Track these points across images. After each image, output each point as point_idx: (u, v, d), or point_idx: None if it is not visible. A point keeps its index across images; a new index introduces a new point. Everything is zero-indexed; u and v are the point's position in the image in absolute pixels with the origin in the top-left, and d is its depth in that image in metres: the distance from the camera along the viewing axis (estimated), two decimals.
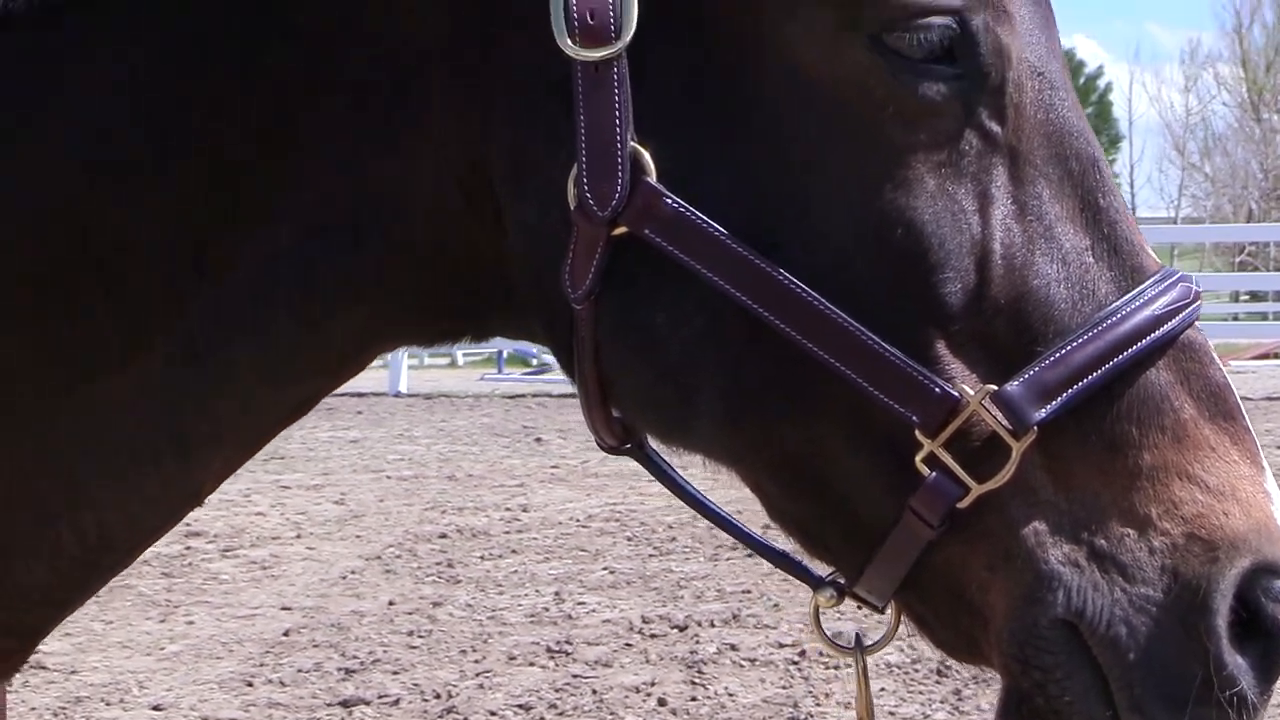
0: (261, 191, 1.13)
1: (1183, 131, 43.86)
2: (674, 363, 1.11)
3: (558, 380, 14.82)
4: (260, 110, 1.12)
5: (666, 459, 1.24)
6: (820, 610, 1.18)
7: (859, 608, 1.18)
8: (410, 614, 5.52)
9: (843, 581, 1.15)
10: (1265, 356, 17.15)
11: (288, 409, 1.25)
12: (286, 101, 1.12)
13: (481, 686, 4.59)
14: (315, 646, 5.07)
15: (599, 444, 1.22)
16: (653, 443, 1.23)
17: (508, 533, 7.17)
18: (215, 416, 1.17)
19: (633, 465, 1.25)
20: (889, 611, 1.15)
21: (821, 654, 4.55)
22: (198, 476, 1.21)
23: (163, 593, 5.64)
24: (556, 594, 5.78)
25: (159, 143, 1.12)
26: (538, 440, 10.88)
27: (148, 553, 1.43)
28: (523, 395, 14.68)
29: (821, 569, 1.19)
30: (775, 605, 5.33)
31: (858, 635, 1.21)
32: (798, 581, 1.24)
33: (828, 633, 1.21)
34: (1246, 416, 1.16)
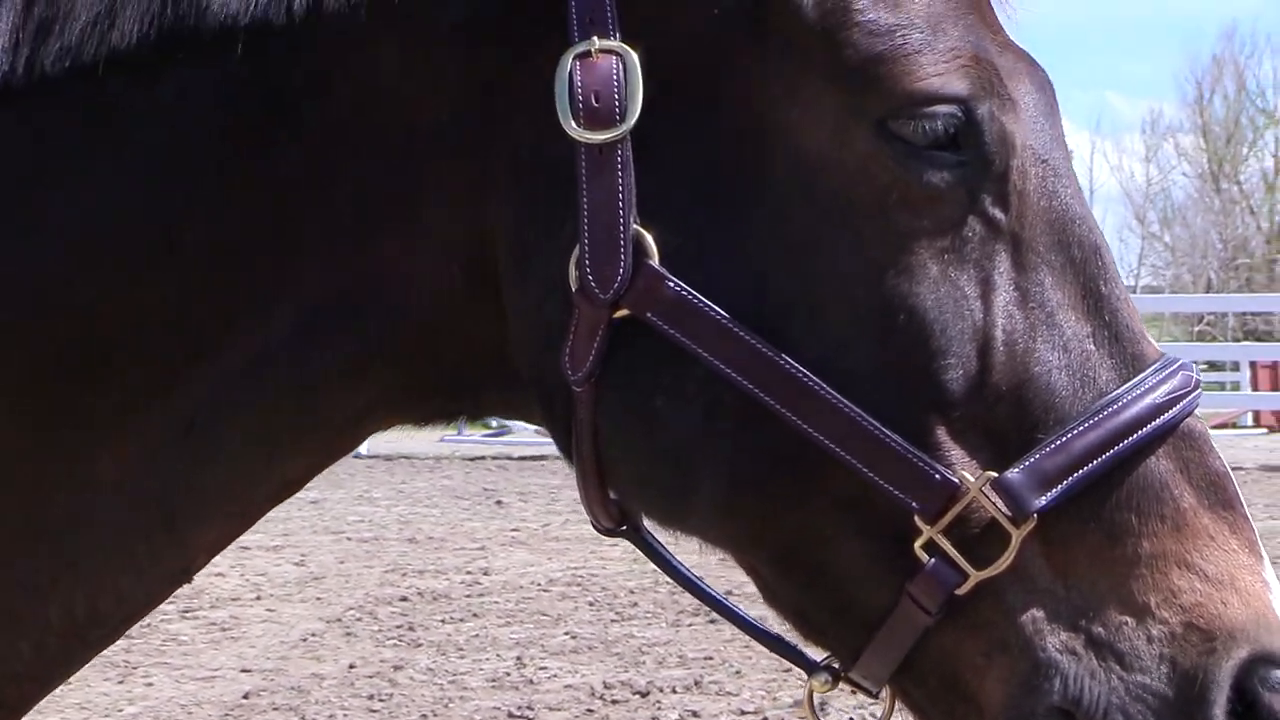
0: (262, 280, 1.13)
1: (1143, 201, 44.13)
2: (673, 446, 1.11)
3: (518, 442, 14.85)
4: (265, 203, 1.12)
5: (662, 542, 1.23)
6: (815, 695, 1.18)
7: (854, 693, 1.18)
8: (370, 678, 5.49)
9: (838, 666, 1.14)
10: (1223, 426, 17.29)
11: (279, 486, 1.23)
12: (290, 195, 1.12)
13: None
14: (275, 710, 5.04)
15: (594, 526, 1.22)
16: (649, 525, 1.22)
17: (469, 596, 7.15)
18: (205, 493, 1.16)
19: (594, 529, 1.25)
20: (884, 696, 1.15)
21: None
22: (188, 553, 1.20)
23: (121, 654, 5.56)
24: (518, 659, 5.77)
25: (163, 234, 1.11)
26: (498, 503, 10.85)
27: None
28: (483, 457, 14.61)
29: (816, 653, 1.18)
30: (737, 672, 5.37)
31: None
32: (760, 648, 1.26)
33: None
34: (1245, 505, 1.15)
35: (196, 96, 1.10)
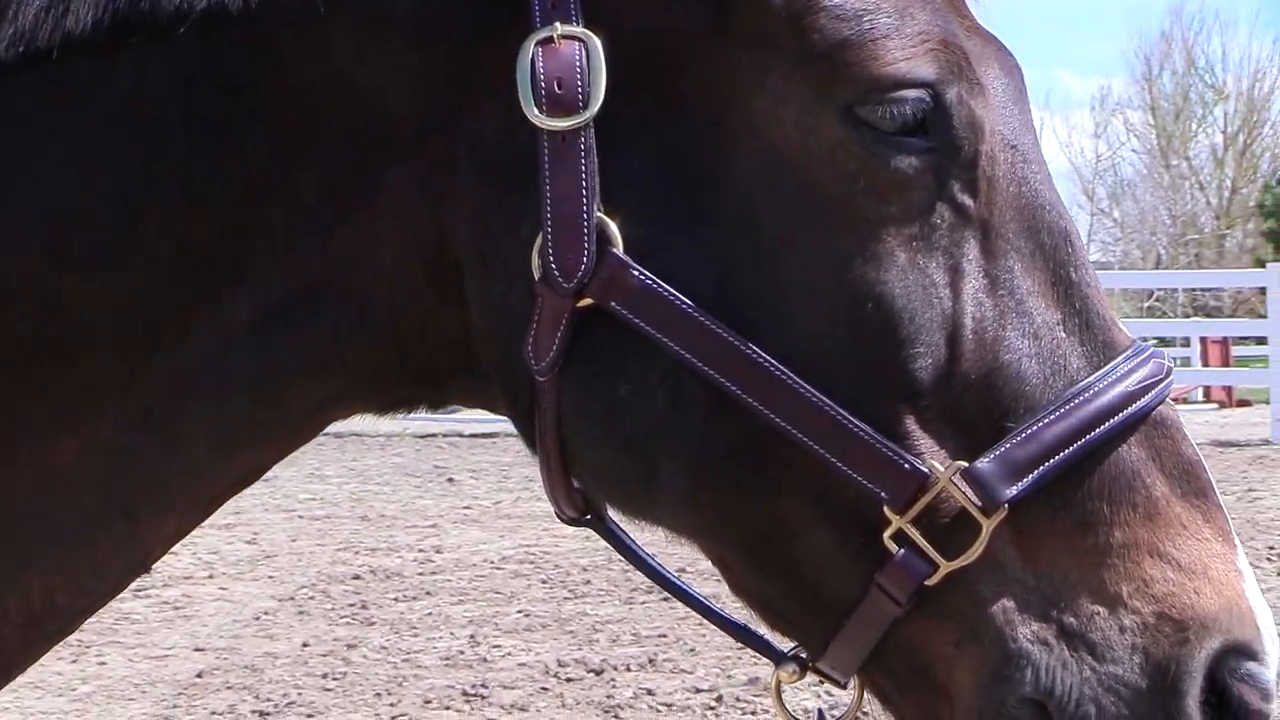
0: (223, 271, 1.11)
1: (1092, 177, 44.16)
2: (637, 436, 1.09)
3: (469, 420, 14.62)
4: (224, 193, 1.10)
5: (628, 532, 1.22)
6: (782, 685, 1.17)
7: (821, 683, 1.19)
8: (324, 656, 5.50)
9: (805, 656, 1.14)
10: (1175, 401, 17.33)
11: (239, 475, 1.22)
12: (249, 185, 1.10)
13: None
14: (229, 689, 5.04)
15: (558, 515, 1.21)
16: (614, 514, 1.22)
17: (421, 574, 7.17)
18: (165, 483, 1.15)
19: (546, 506, 1.24)
20: (852, 686, 1.14)
21: (738, 699, 4.71)
22: (146, 543, 1.19)
23: (74, 633, 5.53)
24: (471, 637, 5.82)
25: (122, 222, 1.10)
26: (450, 480, 10.81)
27: None
28: (434, 435, 14.48)
29: (784, 643, 1.18)
30: (691, 650, 5.45)
31: (820, 711, 1.22)
32: (714, 627, 1.25)
33: (789, 708, 1.19)
34: (1219, 493, 1.14)
35: (154, 82, 1.09)
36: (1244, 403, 18.74)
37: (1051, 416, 1.08)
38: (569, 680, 5.16)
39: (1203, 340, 21.36)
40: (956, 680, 1.08)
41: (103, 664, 5.28)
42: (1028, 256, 1.14)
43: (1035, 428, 1.07)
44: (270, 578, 7.10)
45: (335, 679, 5.21)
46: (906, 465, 1.06)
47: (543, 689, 5.07)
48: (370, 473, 11.07)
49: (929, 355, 1.09)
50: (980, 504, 1.06)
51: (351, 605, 6.50)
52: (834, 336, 1.09)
